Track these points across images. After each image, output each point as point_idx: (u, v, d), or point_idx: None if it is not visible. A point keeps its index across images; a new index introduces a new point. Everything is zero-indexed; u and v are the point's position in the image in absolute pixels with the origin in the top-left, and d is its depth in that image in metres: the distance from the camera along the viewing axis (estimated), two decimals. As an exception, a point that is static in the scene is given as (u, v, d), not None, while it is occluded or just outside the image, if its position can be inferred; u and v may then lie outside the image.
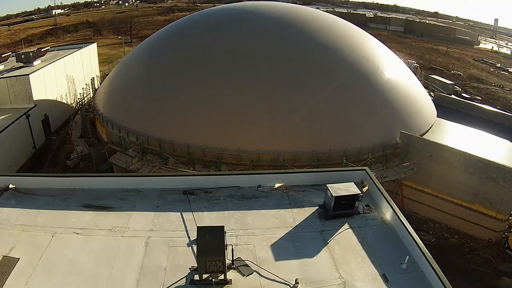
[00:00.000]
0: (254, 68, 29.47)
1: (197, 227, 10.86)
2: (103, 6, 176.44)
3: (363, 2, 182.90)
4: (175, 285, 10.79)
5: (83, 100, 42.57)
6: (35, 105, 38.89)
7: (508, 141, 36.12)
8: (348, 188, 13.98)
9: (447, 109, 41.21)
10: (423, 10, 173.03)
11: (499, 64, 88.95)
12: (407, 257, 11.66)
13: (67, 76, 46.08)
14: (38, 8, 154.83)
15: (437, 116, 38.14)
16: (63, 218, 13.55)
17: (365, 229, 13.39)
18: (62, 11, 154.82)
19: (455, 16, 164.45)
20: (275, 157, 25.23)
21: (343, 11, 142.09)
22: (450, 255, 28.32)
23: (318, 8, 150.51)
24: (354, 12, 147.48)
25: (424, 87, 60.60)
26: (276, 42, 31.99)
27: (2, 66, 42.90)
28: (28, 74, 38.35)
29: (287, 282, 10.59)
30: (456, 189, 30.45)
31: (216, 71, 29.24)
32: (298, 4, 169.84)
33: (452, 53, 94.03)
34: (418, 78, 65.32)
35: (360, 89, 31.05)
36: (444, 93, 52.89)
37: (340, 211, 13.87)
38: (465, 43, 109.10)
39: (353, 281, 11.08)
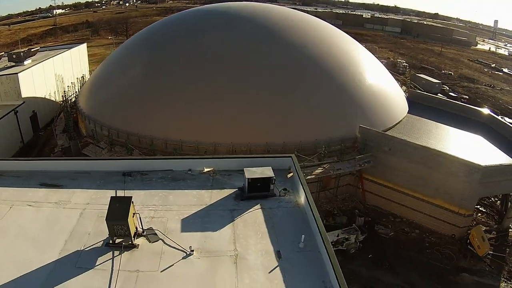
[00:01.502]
0: (213, 67, 31.89)
1: (111, 197, 13.02)
2: (104, 7, 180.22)
3: (363, 3, 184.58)
4: (94, 246, 13.01)
5: (67, 97, 45.08)
6: (24, 102, 41.51)
7: (480, 137, 36.93)
8: (264, 172, 15.71)
9: (424, 106, 42.36)
10: (423, 11, 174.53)
11: (494, 65, 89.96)
12: (303, 236, 12.94)
13: (56, 75, 48.60)
14: (39, 7, 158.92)
15: (410, 113, 39.62)
16: (22, 193, 16.10)
17: (276, 210, 14.96)
18: (63, 11, 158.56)
19: (455, 17, 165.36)
20: (230, 149, 27.40)
21: (340, 11, 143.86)
22: (409, 250, 29.19)
23: (316, 9, 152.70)
24: (351, 13, 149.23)
25: (410, 85, 62.45)
26: (241, 41, 34.36)
27: (-5, 66, 45.67)
28: (17, 73, 40.98)
29: (184, 250, 12.57)
30: (417, 183, 31.06)
31: (178, 69, 31.75)
32: (298, 4, 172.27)
33: (447, 53, 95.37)
34: (406, 77, 67.16)
35: (320, 85, 33.03)
36: (430, 92, 54.52)
37: (256, 193, 15.61)
38: (462, 44, 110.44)
39: (246, 254, 12.47)
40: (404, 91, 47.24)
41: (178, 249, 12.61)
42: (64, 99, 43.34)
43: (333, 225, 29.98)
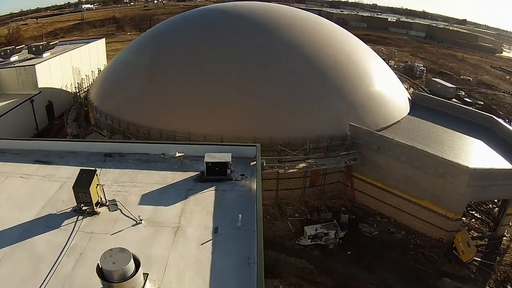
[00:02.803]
0: (206, 62, 34.41)
1: (80, 169, 15.40)
2: (132, 3, 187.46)
3: (391, 7, 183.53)
4: (64, 211, 15.45)
5: (81, 89, 48.74)
6: (40, 92, 45.50)
7: (480, 141, 36.54)
8: (222, 157, 17.54)
9: (428, 109, 42.18)
10: (451, 17, 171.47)
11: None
12: (240, 215, 14.44)
13: (73, 68, 52.59)
14: (68, 2, 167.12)
15: (411, 114, 39.84)
16: (17, 168, 18.97)
17: (228, 193, 16.54)
18: (92, 6, 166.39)
19: (484, 24, 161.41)
20: (219, 141, 29.44)
21: (365, 14, 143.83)
22: (391, 250, 29.70)
23: (342, 11, 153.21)
24: (377, 16, 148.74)
25: (419, 88, 62.77)
26: (237, 38, 36.82)
27: (16, 57, 50.14)
28: (34, 65, 44.97)
29: (135, 219, 14.75)
30: (404, 183, 31.48)
31: (172, 66, 34.60)
32: (325, 7, 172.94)
33: (470, 59, 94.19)
34: (422, 81, 67.24)
35: (313, 83, 34.59)
36: (444, 96, 54.42)
37: (214, 176, 17.49)
38: (487, 51, 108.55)
39: (186, 227, 14.23)
40: (411, 94, 47.65)
41: (130, 218, 14.84)
42: (77, 90, 46.90)
43: (317, 220, 31.44)
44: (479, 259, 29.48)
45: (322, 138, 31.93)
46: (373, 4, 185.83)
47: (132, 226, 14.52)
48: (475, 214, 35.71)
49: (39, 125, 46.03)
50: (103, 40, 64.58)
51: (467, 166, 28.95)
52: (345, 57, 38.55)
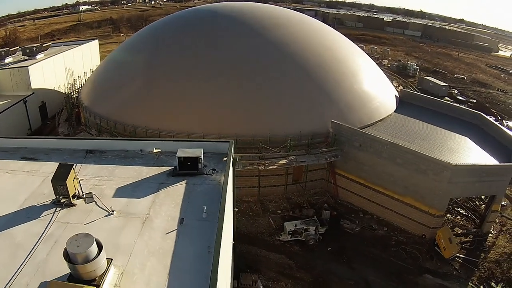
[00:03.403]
0: (189, 61, 35.74)
1: (59, 164, 16.67)
2: (130, 4, 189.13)
3: (389, 7, 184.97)
4: (44, 203, 16.70)
5: (73, 89, 50.09)
6: (33, 93, 46.89)
7: (467, 138, 36.94)
8: (194, 152, 18.71)
9: (415, 106, 42.89)
10: (449, 17, 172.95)
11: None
12: (205, 207, 15.51)
13: (66, 69, 53.95)
14: (66, 3, 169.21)
15: (398, 112, 40.62)
16: (4, 164, 20.24)
17: (198, 186, 17.87)
18: (89, 7, 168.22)
19: (481, 23, 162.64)
20: (201, 138, 30.73)
21: (362, 14, 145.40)
22: (372, 246, 30.22)
23: (338, 11, 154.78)
24: (373, 16, 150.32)
25: (418, 88, 63.97)
26: (223, 36, 38.24)
27: (11, 59, 51.59)
28: (27, 66, 46.35)
29: (108, 210, 16.03)
30: (386, 180, 32.04)
31: (159, 65, 36.04)
32: (322, 7, 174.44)
33: (465, 58, 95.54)
34: (415, 80, 68.34)
35: (295, 80, 35.79)
36: (437, 95, 55.26)
37: (186, 170, 18.68)
38: (483, 50, 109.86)
39: (154, 218, 15.41)
40: (399, 91, 48.51)
41: (104, 209, 16.12)
42: (69, 91, 48.28)
43: (299, 216, 32.48)
44: (463, 256, 29.70)
45: (304, 136, 32.88)
46: (370, 4, 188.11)
47: (105, 216, 15.76)
48: (461, 211, 36.21)
49: (33, 125, 47.38)
50: (96, 41, 66.06)
51: (448, 162, 29.30)
52: (330, 55, 39.72)
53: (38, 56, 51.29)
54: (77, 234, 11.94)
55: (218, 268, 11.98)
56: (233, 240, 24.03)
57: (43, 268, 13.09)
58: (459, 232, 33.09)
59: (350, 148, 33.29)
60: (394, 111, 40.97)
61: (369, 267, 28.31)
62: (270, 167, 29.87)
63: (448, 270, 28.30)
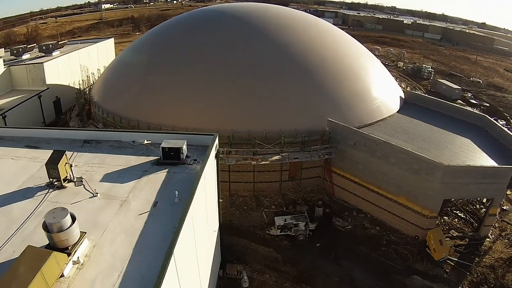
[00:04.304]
0: (192, 60, 37.70)
1: (53, 150, 18.72)
2: (152, 3, 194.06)
3: (411, 10, 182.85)
4: (39, 185, 18.85)
5: (85, 85, 52.97)
6: (48, 88, 49.90)
7: (469, 140, 36.68)
8: (177, 143, 20.54)
9: (419, 107, 42.87)
10: (471, 21, 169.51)
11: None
12: (176, 192, 17.19)
13: (81, 66, 57.00)
14: (89, 1, 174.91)
15: (400, 112, 40.93)
16: (10, 151, 22.64)
17: (178, 175, 19.72)
18: (111, 5, 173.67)
19: (503, 27, 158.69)
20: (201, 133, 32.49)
21: (382, 16, 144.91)
22: (362, 245, 30.51)
23: (358, 13, 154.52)
24: (393, 18, 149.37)
25: (430, 89, 64.15)
26: (225, 36, 39.95)
27: (28, 55, 54.95)
28: (42, 63, 49.41)
29: (92, 192, 17.98)
30: (380, 179, 32.41)
31: (163, 64, 38.15)
32: (344, 9, 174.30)
33: (484, 62, 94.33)
34: (429, 82, 68.37)
35: (296, 80, 36.93)
36: (449, 98, 55.27)
37: (169, 160, 20.47)
38: (503, 54, 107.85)
39: (132, 201, 17.32)
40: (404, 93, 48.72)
41: (89, 192, 18.10)
42: (82, 87, 51.14)
43: (292, 212, 33.56)
44: (455, 259, 29.69)
45: (300, 133, 33.85)
46: (392, 6, 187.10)
47: (89, 198, 17.75)
48: (459, 214, 36.13)
49: (46, 119, 50.38)
50: (112, 39, 69.23)
51: (440, 163, 29.27)
52: (332, 55, 40.67)
53: (54, 53, 54.43)
54: (55, 208, 13.80)
55: (176, 244, 13.53)
56: (219, 231, 25.63)
57: (29, 239, 15.05)
58: (454, 235, 32.99)
59: (345, 146, 33.88)
60: (397, 112, 41.28)
61: (357, 265, 28.65)
62: (263, 163, 31.28)
63: (438, 273, 28.34)
